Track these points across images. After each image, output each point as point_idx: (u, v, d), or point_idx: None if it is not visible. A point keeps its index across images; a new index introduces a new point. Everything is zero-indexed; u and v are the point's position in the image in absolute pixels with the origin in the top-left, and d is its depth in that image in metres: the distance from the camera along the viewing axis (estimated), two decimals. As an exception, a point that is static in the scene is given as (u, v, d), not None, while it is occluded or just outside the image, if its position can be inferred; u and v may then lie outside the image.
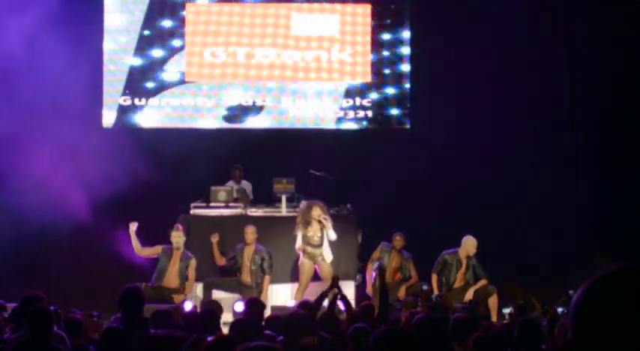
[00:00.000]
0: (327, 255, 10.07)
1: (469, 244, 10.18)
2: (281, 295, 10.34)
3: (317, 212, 9.99)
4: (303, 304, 6.93)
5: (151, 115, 12.48)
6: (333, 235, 10.05)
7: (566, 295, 8.55)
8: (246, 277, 10.09)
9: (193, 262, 9.98)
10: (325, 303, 7.23)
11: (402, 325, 5.69)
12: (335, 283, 7.39)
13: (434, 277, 10.13)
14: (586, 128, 12.57)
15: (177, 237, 9.97)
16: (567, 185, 12.53)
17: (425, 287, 9.48)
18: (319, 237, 10.03)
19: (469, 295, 9.96)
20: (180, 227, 10.09)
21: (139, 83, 12.46)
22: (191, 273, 9.97)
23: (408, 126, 12.64)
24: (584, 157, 12.55)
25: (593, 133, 12.49)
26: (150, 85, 12.47)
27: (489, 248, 11.00)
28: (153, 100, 12.47)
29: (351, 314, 6.82)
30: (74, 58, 11.62)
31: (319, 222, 9.99)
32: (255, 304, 6.81)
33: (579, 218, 12.32)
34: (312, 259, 10.00)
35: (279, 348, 2.50)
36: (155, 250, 10.03)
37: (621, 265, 1.51)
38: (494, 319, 9.63)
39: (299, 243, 10.05)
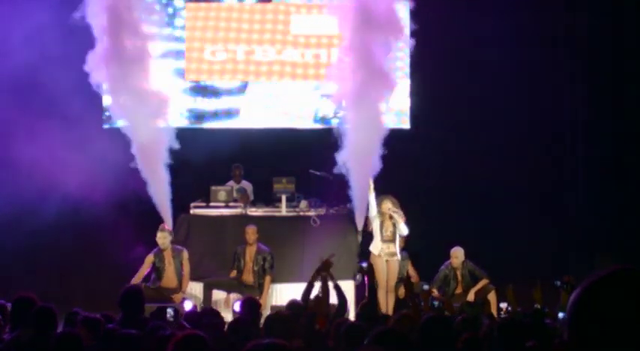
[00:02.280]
0: (398, 251, 9.98)
1: (453, 256, 10.19)
2: (283, 295, 10.33)
3: (387, 206, 9.87)
4: (290, 305, 6.91)
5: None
6: (405, 230, 9.91)
7: (553, 286, 8.53)
8: (248, 277, 10.09)
9: (185, 254, 9.94)
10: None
11: (390, 325, 5.66)
12: (325, 267, 7.22)
13: (434, 292, 10.10)
14: (586, 128, 12.57)
15: (163, 238, 9.88)
16: (567, 185, 12.54)
17: (426, 287, 9.49)
18: (391, 232, 9.92)
19: (470, 296, 9.98)
20: (166, 227, 10.00)
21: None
22: (185, 266, 9.91)
23: (408, 126, 12.64)
24: (585, 157, 12.55)
25: (593, 132, 12.49)
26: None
27: (489, 248, 11.02)
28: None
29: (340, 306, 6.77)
30: (74, 56, 11.63)
31: (390, 217, 9.90)
32: (251, 304, 6.82)
33: (579, 218, 12.32)
34: (384, 255, 9.89)
35: (291, 347, 2.50)
36: (148, 263, 9.88)
37: (618, 267, 1.52)
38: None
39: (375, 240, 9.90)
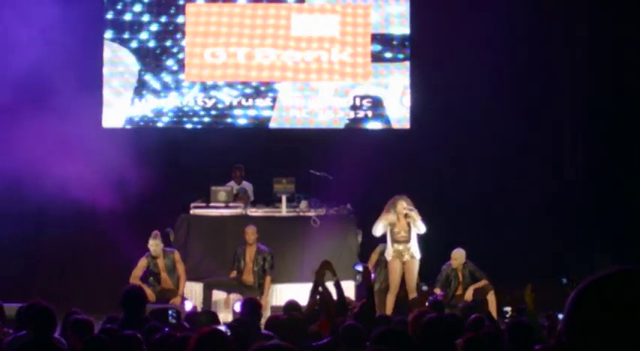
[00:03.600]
0: (416, 251, 9.89)
1: (453, 257, 10.19)
2: (283, 295, 10.33)
3: (402, 205, 9.82)
4: (288, 306, 6.88)
5: (150, 115, 12.49)
6: (422, 227, 9.82)
7: (559, 283, 8.49)
8: (248, 277, 10.09)
9: (177, 256, 9.93)
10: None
11: (410, 324, 5.66)
12: (326, 269, 7.15)
13: (437, 292, 10.09)
14: (586, 128, 12.57)
15: (155, 246, 9.82)
16: (567, 185, 12.54)
17: (425, 288, 9.47)
18: (406, 232, 9.87)
19: (468, 294, 9.99)
20: (159, 234, 9.93)
21: (140, 83, 12.47)
22: (179, 267, 9.90)
23: (408, 126, 12.64)
24: (585, 156, 12.55)
25: (593, 132, 12.49)
26: (150, 84, 12.49)
27: (489, 249, 11.02)
28: (152, 100, 12.48)
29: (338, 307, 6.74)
30: (74, 56, 11.65)
31: (405, 216, 9.87)
32: (251, 305, 6.81)
33: (579, 218, 12.32)
34: (400, 257, 9.84)
35: (296, 349, 2.50)
36: (142, 266, 9.84)
37: (618, 267, 1.52)
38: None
39: (379, 230, 9.86)
